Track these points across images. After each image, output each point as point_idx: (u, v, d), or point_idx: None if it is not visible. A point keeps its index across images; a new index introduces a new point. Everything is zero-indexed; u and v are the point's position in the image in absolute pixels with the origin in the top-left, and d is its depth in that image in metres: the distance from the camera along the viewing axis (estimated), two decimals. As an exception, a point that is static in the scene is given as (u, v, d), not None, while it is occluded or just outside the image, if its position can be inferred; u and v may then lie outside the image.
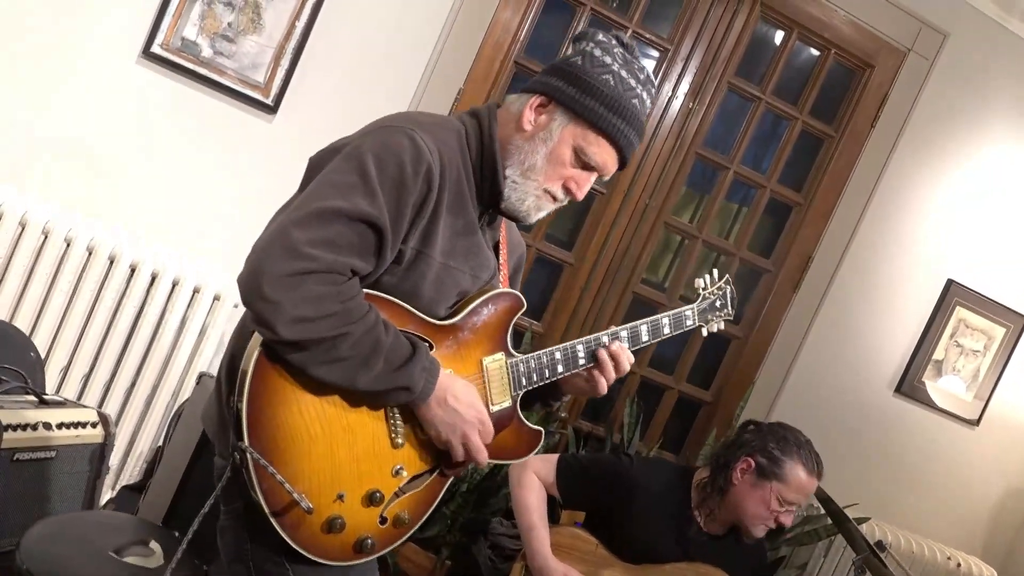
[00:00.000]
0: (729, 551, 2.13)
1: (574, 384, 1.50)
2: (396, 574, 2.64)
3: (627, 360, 1.46)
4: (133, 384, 2.57)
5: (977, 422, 3.58)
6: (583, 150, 1.32)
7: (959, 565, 3.38)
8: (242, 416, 1.15)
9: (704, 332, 1.71)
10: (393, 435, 1.25)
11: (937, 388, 3.52)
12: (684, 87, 3.11)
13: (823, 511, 2.90)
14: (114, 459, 2.54)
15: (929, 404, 3.53)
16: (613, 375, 1.46)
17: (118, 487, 2.56)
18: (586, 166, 1.35)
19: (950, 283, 3.45)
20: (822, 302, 3.34)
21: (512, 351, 1.39)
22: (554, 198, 1.36)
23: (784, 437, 2.11)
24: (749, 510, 2.06)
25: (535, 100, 1.33)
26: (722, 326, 1.74)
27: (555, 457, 2.20)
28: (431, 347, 1.27)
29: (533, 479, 2.15)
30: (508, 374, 1.36)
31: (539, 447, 1.44)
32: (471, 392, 1.28)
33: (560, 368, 1.42)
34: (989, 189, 3.45)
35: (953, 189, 3.42)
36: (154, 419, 2.57)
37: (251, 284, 1.14)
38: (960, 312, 3.49)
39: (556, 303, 3.14)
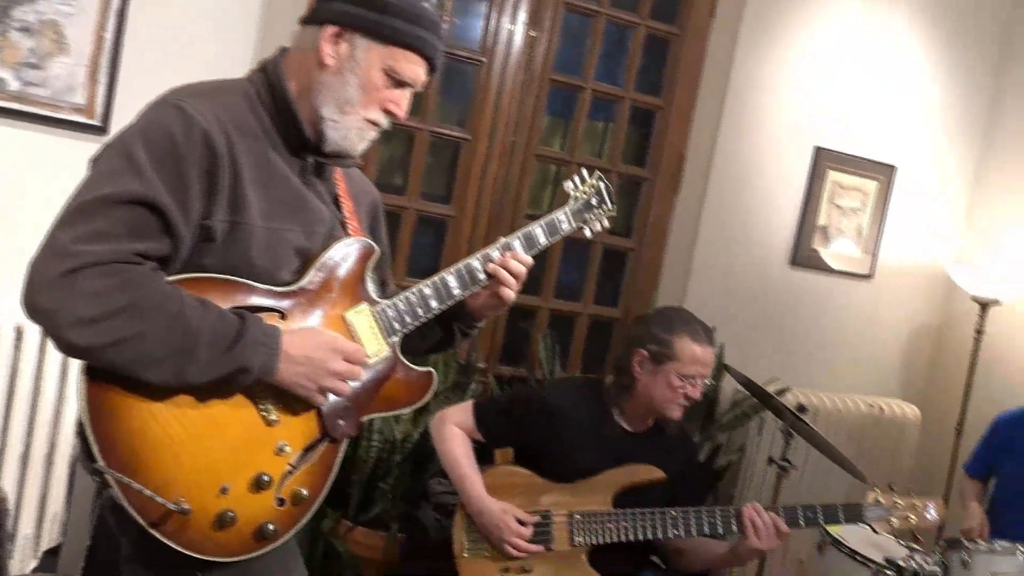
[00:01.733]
0: (657, 446, 2.17)
1: (481, 306, 1.48)
2: (350, 561, 2.60)
3: (516, 267, 1.43)
4: (27, 447, 2.43)
5: (871, 275, 3.75)
6: (393, 69, 1.30)
7: (882, 410, 3.55)
8: (89, 437, 1.10)
9: (587, 234, 1.64)
10: (264, 414, 1.21)
11: (829, 252, 3.66)
12: (522, 17, 3.08)
13: (747, 393, 3.02)
14: (29, 527, 2.43)
15: (825, 269, 3.66)
16: (513, 282, 1.43)
17: (40, 554, 2.45)
18: (399, 84, 1.32)
19: (818, 150, 3.57)
20: (704, 196, 3.41)
21: (376, 299, 1.35)
22: (376, 124, 1.33)
23: (667, 318, 2.17)
24: (657, 396, 2.11)
25: (328, 32, 1.28)
26: (605, 223, 1.66)
27: (470, 404, 2.21)
28: (283, 316, 1.23)
29: (454, 430, 2.16)
30: (377, 322, 1.33)
31: (433, 387, 1.42)
32: (315, 335, 1.23)
33: (433, 303, 1.39)
34: (838, 54, 3.55)
35: (804, 60, 3.50)
36: (58, 476, 2.45)
37: (26, 299, 1.08)
38: (833, 176, 3.62)
39: (447, 260, 3.12)
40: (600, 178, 1.64)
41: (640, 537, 2.03)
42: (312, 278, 1.27)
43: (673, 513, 2.03)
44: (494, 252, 1.45)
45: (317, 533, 2.56)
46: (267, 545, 1.22)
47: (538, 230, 1.51)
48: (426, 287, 1.39)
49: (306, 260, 1.28)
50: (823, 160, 3.58)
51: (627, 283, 3.42)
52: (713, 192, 3.42)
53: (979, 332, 3.54)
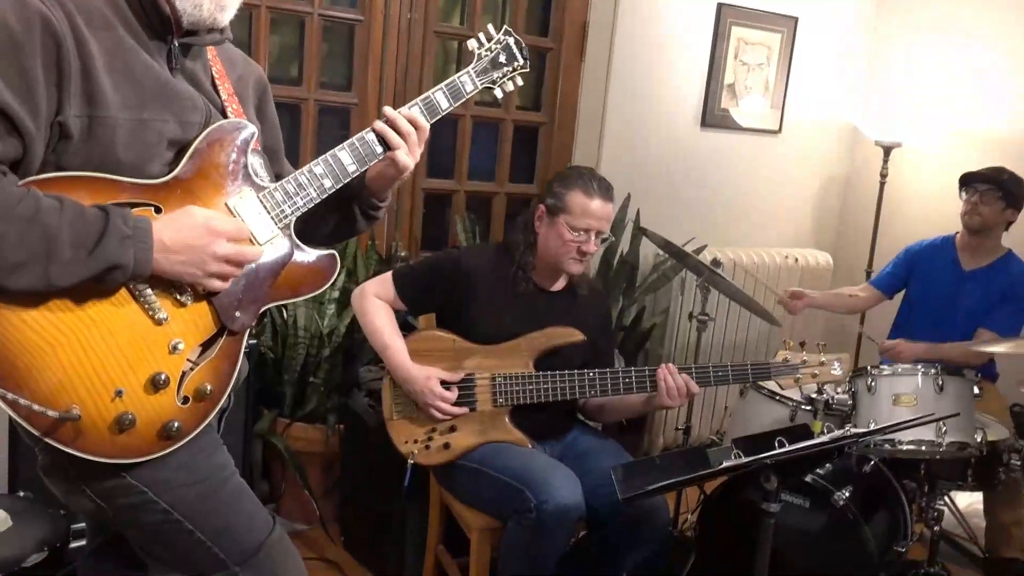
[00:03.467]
0: (574, 306, 2.22)
1: (377, 175, 1.42)
2: (293, 458, 2.64)
3: (404, 126, 1.36)
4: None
5: (779, 129, 3.80)
6: None
7: (796, 260, 3.68)
8: None
9: (498, 93, 1.56)
10: (151, 313, 1.17)
11: (738, 110, 3.68)
12: None
13: (666, 255, 3.09)
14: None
15: (735, 127, 3.70)
16: (401, 142, 1.36)
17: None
18: None
19: (720, 7, 3.53)
20: (610, 63, 3.36)
21: (262, 183, 1.30)
22: None
23: (566, 175, 2.18)
24: (552, 250, 2.14)
25: None
26: (519, 81, 1.57)
27: (389, 274, 2.21)
28: (158, 210, 1.17)
29: (375, 302, 2.17)
30: (265, 207, 1.28)
31: (336, 269, 1.38)
32: (189, 219, 1.17)
33: (327, 182, 1.33)
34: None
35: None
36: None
37: None
38: (737, 32, 3.60)
39: (355, 149, 3.03)
40: (508, 32, 1.55)
41: (559, 398, 2.09)
42: (186, 167, 1.20)
43: (591, 375, 2.09)
44: (373, 135, 1.37)
45: (254, 434, 2.58)
46: (174, 443, 1.21)
47: (439, 95, 1.44)
48: (317, 165, 1.33)
49: (181, 150, 1.22)
50: (726, 16, 3.54)
51: (542, 158, 3.40)
52: (618, 59, 3.37)
53: (883, 176, 3.66)
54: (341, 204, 1.46)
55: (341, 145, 1.37)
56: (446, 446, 2.12)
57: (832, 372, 2.07)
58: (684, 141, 3.60)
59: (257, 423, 2.61)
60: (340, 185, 1.36)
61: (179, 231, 1.16)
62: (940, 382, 2.28)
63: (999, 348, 2.46)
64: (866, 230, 3.76)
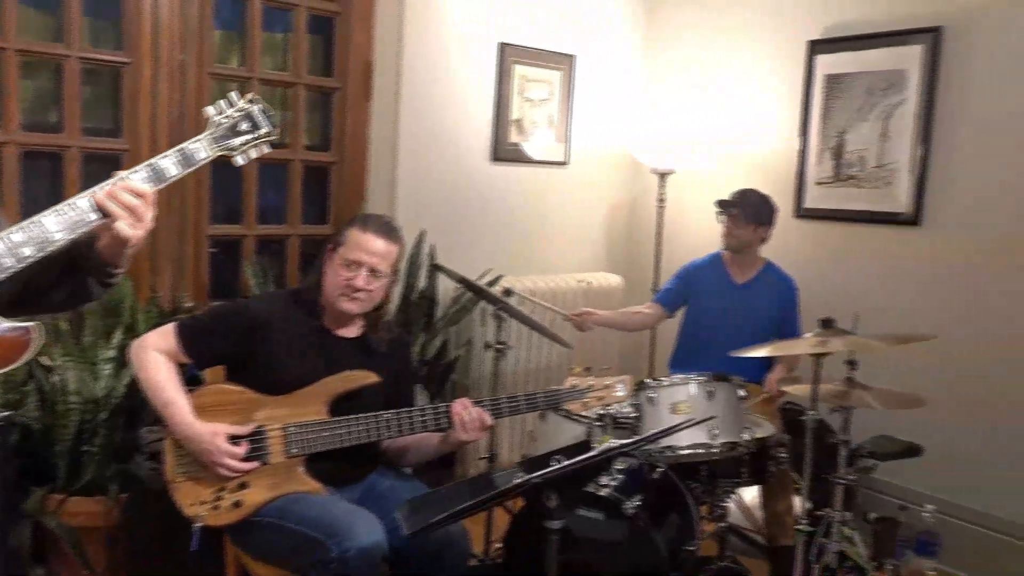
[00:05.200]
0: (370, 349, 2.20)
1: (105, 247, 1.33)
2: (68, 536, 2.41)
3: (126, 198, 1.28)
4: None
5: (566, 161, 4.00)
6: None
7: (589, 283, 3.87)
8: None
9: (239, 161, 1.54)
10: None
11: (528, 144, 3.84)
12: (167, -79, 2.81)
13: (464, 289, 3.14)
14: None
15: (525, 160, 3.85)
16: (123, 214, 1.27)
17: None
18: None
19: (503, 46, 3.68)
20: (399, 101, 3.41)
21: None
22: None
23: (355, 218, 2.21)
24: (328, 287, 2.14)
25: None
26: (265, 149, 1.56)
27: (171, 327, 2.10)
28: None
29: (155, 356, 2.05)
30: None
31: (34, 341, 1.26)
32: None
33: (27, 251, 1.22)
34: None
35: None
36: None
37: None
38: (519, 70, 3.76)
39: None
40: (253, 100, 1.53)
41: (356, 442, 2.07)
42: None
43: (387, 416, 2.08)
44: (107, 185, 1.30)
45: (21, 515, 2.34)
46: None
47: (167, 160, 1.38)
48: (16, 232, 1.22)
49: None
50: (508, 55, 3.70)
51: (334, 197, 3.37)
52: (407, 97, 3.43)
53: (661, 201, 3.94)
54: (70, 271, 1.35)
55: (48, 209, 1.27)
56: (237, 504, 2.02)
57: (615, 394, 2.18)
58: (477, 175, 3.70)
59: (25, 502, 2.37)
60: (42, 255, 1.25)
61: None
62: (710, 389, 2.47)
63: (771, 351, 2.67)
64: (650, 251, 4.02)
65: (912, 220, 3.25)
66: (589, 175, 4.09)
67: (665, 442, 2.44)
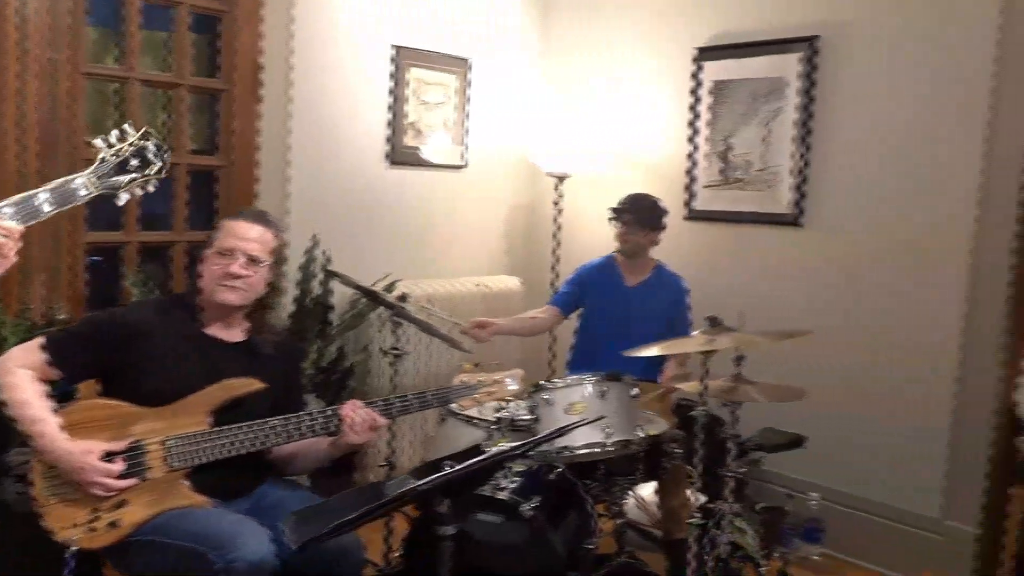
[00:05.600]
0: (257, 355, 2.14)
1: None
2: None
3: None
4: None
5: (464, 164, 4.00)
6: None
7: (489, 287, 3.88)
8: None
9: (121, 200, 1.48)
10: None
11: (425, 147, 3.82)
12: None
13: (360, 295, 3.09)
14: None
15: (422, 164, 3.83)
16: (10, 247, 1.23)
17: None
18: None
19: (396, 49, 3.65)
20: (290, 104, 3.33)
21: None
22: None
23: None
24: (204, 282, 2.07)
25: None
26: (152, 187, 1.51)
27: (36, 341, 1.97)
28: None
29: (19, 372, 1.92)
30: None
31: None
32: None
33: None
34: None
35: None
36: None
37: None
38: (414, 73, 3.74)
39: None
40: (147, 135, 1.46)
41: (242, 451, 2.00)
42: None
43: (274, 423, 2.02)
44: None
45: None
46: None
47: (42, 195, 1.31)
48: None
49: None
50: (403, 57, 3.67)
51: (222, 202, 3.26)
52: (299, 99, 3.35)
53: (557, 204, 3.99)
54: None
55: None
56: (114, 524, 1.92)
57: (507, 388, 2.19)
58: (373, 179, 3.65)
59: None
60: None
61: None
62: (603, 389, 2.51)
63: (661, 350, 2.73)
64: (548, 254, 4.06)
65: (794, 221, 3.40)
66: (487, 179, 4.10)
67: (561, 443, 2.46)
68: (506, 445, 1.69)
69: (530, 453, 2.41)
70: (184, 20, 3.06)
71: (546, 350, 3.99)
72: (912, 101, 3.09)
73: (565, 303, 3.32)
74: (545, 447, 2.43)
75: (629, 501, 2.87)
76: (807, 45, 3.32)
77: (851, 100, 3.25)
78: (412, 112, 3.75)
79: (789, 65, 3.38)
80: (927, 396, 3.09)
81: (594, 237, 3.94)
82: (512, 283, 4.03)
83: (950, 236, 3.02)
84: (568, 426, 2.05)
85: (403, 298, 2.83)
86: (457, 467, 1.50)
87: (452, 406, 2.66)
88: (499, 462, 1.62)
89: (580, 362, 3.18)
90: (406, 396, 2.12)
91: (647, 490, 3.29)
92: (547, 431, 2.16)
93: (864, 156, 3.22)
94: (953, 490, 3.06)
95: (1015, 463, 2.95)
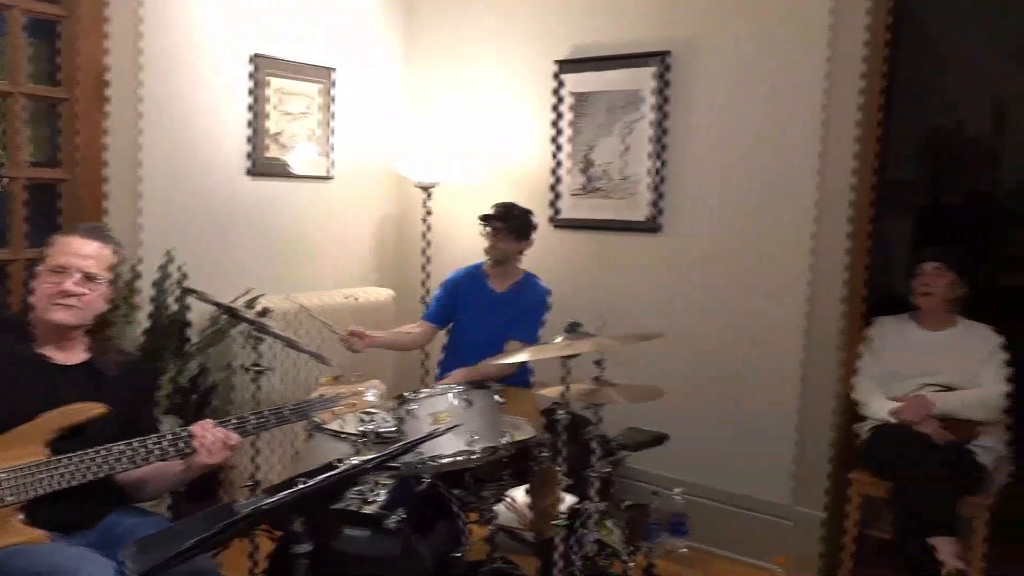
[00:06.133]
0: (101, 377, 2.03)
1: None
2: None
3: None
4: None
5: (330, 175, 3.94)
6: None
7: (359, 299, 3.84)
8: None
9: None
10: None
11: (287, 159, 3.74)
12: None
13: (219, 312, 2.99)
14: None
15: (287, 175, 3.75)
16: None
17: None
18: None
19: (256, 57, 3.56)
20: (141, 113, 3.18)
21: None
22: None
23: None
24: (36, 302, 1.97)
25: None
26: None
27: None
28: None
29: None
30: None
31: None
32: None
33: None
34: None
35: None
36: None
37: None
38: (275, 82, 3.66)
39: None
40: None
41: (84, 480, 1.89)
42: None
43: (119, 448, 1.92)
44: None
45: None
46: None
47: None
48: None
49: None
50: (262, 67, 3.59)
51: (66, 218, 3.08)
52: (150, 109, 3.21)
53: (426, 214, 3.99)
54: None
55: None
56: (-64, 567, 1.78)
57: (368, 399, 2.17)
58: (233, 191, 3.54)
59: None
60: None
61: None
62: (468, 397, 2.53)
63: (520, 357, 2.79)
64: (418, 263, 4.06)
65: (652, 228, 3.54)
66: (354, 189, 4.06)
67: (429, 453, 2.47)
68: (357, 459, 1.68)
69: (396, 465, 2.41)
70: (18, 25, 2.87)
71: (418, 360, 3.98)
72: (754, 112, 3.28)
73: (438, 316, 3.34)
74: (410, 458, 2.43)
75: (502, 506, 2.91)
76: (660, 59, 3.47)
77: (701, 112, 3.42)
78: (274, 122, 3.67)
79: (644, 78, 3.52)
80: (776, 390, 3.28)
81: (464, 246, 3.97)
82: (383, 294, 4.00)
83: (793, 240, 3.22)
84: (416, 439, 2.05)
85: (263, 313, 2.76)
86: (304, 485, 1.48)
87: (317, 420, 2.61)
88: (351, 477, 1.60)
89: (450, 369, 3.19)
90: (262, 412, 2.06)
91: (520, 494, 3.34)
92: (401, 444, 2.15)
93: (714, 165, 3.40)
94: (801, 478, 3.26)
95: (854, 449, 3.18)
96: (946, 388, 3.00)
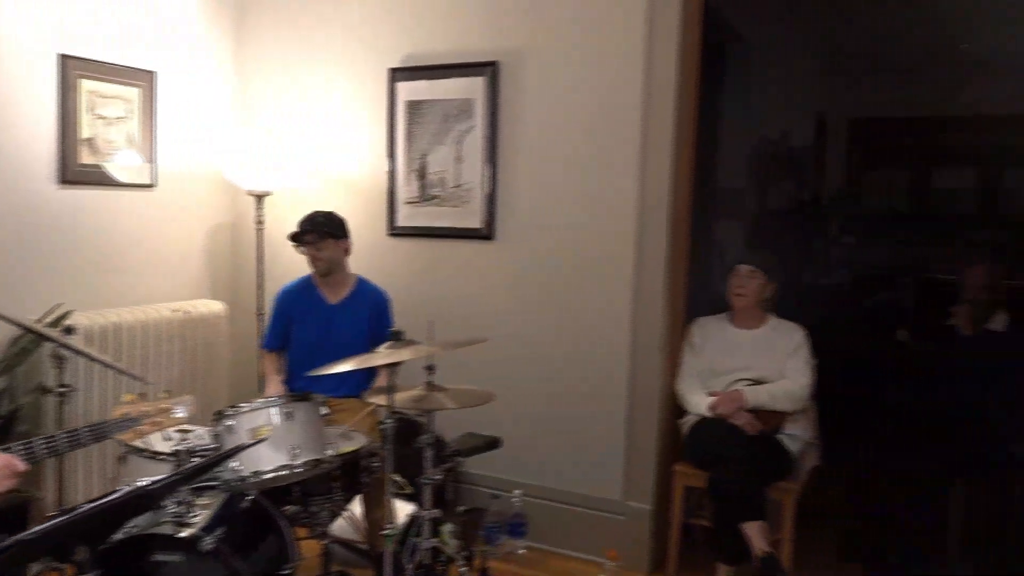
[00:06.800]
0: None
1: None
2: None
3: None
4: None
5: (154, 183, 3.75)
6: None
7: (188, 312, 3.67)
8: None
9: None
10: None
11: (104, 165, 3.53)
12: None
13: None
14: None
15: (103, 183, 3.53)
16: None
17: None
18: None
19: (64, 58, 3.34)
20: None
21: None
22: None
23: None
24: None
25: None
26: None
27: None
28: None
29: None
30: None
31: None
32: None
33: None
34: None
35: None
36: None
37: None
38: (88, 84, 3.45)
39: None
40: None
41: None
42: None
43: None
44: None
45: None
46: None
47: None
48: None
49: None
50: (72, 68, 3.37)
51: None
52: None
53: (259, 223, 3.88)
54: None
55: None
56: None
57: (177, 416, 2.08)
58: (41, 201, 3.31)
59: None
60: None
61: None
62: (289, 410, 2.48)
63: (346, 366, 2.74)
64: (252, 274, 3.93)
65: (487, 235, 3.59)
66: (181, 198, 3.88)
67: (250, 469, 2.39)
68: (144, 481, 1.61)
69: (216, 483, 2.32)
70: None
71: (253, 375, 3.85)
72: (579, 122, 3.40)
73: (277, 340, 3.29)
74: (230, 475, 2.35)
75: (341, 519, 2.86)
76: (490, 69, 3.53)
77: (529, 122, 3.50)
78: (87, 127, 3.45)
79: (476, 87, 3.57)
80: (605, 390, 3.40)
81: (299, 256, 3.87)
82: (215, 306, 3.84)
83: (618, 246, 3.35)
84: (214, 457, 1.99)
85: (68, 331, 2.59)
86: (75, 511, 1.40)
87: (137, 443, 2.48)
88: (139, 499, 1.53)
89: (291, 384, 3.13)
90: (53, 436, 1.93)
91: (358, 506, 3.30)
92: (193, 464, 2.08)
93: (544, 173, 3.49)
94: (631, 473, 3.40)
95: (678, 443, 3.35)
96: (758, 382, 3.21)
